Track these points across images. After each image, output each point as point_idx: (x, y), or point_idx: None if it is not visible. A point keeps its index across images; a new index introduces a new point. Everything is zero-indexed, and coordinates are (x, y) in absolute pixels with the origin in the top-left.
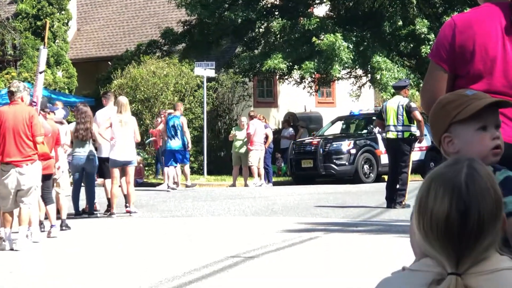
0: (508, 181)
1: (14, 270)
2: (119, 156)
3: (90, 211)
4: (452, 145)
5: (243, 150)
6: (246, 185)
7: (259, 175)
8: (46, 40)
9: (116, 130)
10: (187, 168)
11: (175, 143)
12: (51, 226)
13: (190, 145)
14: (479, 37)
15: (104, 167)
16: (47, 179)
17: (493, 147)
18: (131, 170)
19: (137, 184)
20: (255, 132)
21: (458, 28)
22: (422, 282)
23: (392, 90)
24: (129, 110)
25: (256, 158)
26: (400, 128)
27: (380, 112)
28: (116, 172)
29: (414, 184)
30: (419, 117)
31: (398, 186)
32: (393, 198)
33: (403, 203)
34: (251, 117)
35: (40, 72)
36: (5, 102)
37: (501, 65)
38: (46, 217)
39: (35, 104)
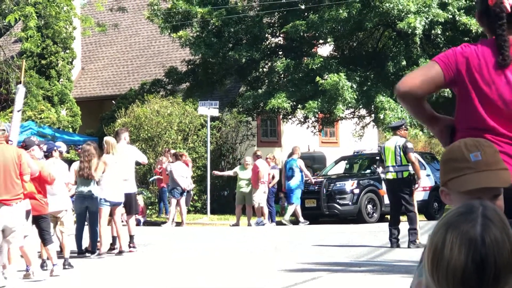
0: None
1: None
2: (109, 197)
3: (93, 250)
4: (447, 199)
5: (247, 189)
6: (249, 224)
7: (263, 214)
8: (22, 79)
9: (108, 171)
10: (298, 208)
11: (293, 182)
12: (53, 265)
13: (312, 180)
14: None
15: (126, 202)
16: (42, 220)
17: None
18: (118, 211)
19: (140, 223)
20: (262, 171)
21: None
22: None
23: None
24: (118, 149)
25: (263, 197)
26: (398, 168)
27: (380, 154)
28: (105, 210)
29: (420, 223)
30: (413, 159)
31: (408, 227)
32: (397, 238)
33: (417, 241)
34: (257, 157)
35: (18, 111)
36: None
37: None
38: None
39: (11, 142)
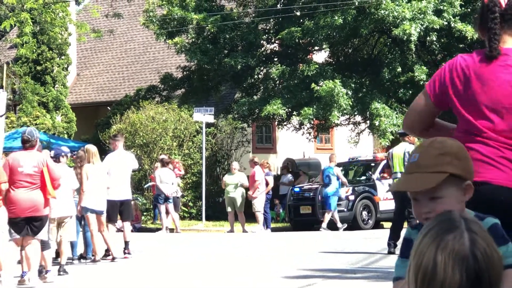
0: (493, 230)
1: None
2: (93, 205)
3: (86, 256)
4: None
5: (235, 194)
6: (244, 231)
7: (257, 219)
8: (4, 83)
9: (92, 179)
10: (335, 214)
11: (330, 189)
12: (46, 271)
13: (346, 188)
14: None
15: (121, 208)
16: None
17: (424, 217)
18: (103, 218)
19: (135, 230)
20: (259, 179)
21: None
22: None
23: (391, 137)
24: (99, 158)
25: (261, 204)
26: None
27: (387, 159)
28: (91, 218)
29: None
30: None
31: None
32: (395, 244)
33: None
34: (254, 163)
35: (1, 116)
36: (4, 146)
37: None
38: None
39: None
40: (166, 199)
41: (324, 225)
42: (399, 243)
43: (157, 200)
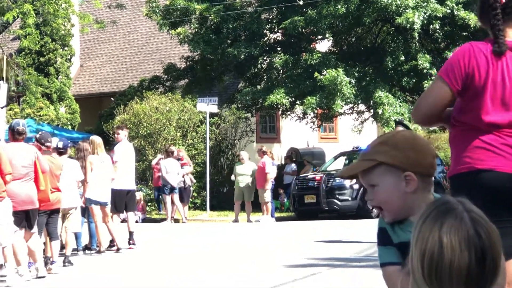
0: None
1: None
2: (97, 197)
3: (91, 247)
4: None
5: (245, 184)
6: (249, 220)
7: (266, 210)
8: (4, 75)
9: (96, 170)
10: None
11: None
12: (52, 262)
13: None
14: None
15: (126, 199)
16: (55, 213)
17: (370, 204)
18: (107, 209)
19: (140, 220)
20: (269, 170)
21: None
22: None
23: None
24: (103, 149)
25: (270, 194)
26: None
27: None
28: (95, 209)
29: None
30: None
31: None
32: None
33: None
34: (263, 153)
35: (2, 107)
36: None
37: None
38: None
39: None
40: (172, 189)
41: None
42: None
43: (163, 190)
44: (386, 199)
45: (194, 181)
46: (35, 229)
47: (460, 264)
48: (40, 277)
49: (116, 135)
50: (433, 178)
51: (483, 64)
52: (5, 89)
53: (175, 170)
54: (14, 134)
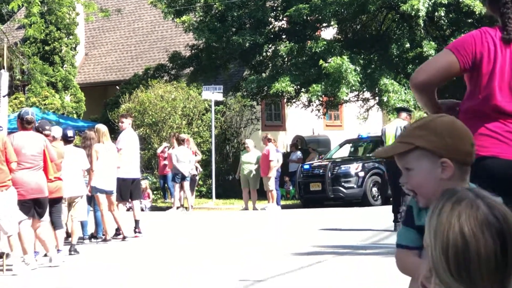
0: None
1: None
2: (103, 185)
3: (97, 236)
4: None
5: (250, 172)
6: (254, 208)
7: (272, 197)
8: (5, 63)
9: (102, 159)
10: None
11: None
12: (58, 250)
13: None
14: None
15: (131, 187)
16: (57, 203)
17: (405, 188)
18: (113, 198)
19: (145, 209)
20: (273, 158)
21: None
22: None
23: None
24: (109, 137)
25: (274, 182)
26: None
27: (381, 137)
28: (101, 198)
29: None
30: None
31: (402, 208)
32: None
33: None
34: (268, 140)
35: (3, 96)
36: (14, 127)
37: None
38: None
39: (0, 128)
40: (183, 177)
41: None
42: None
43: (174, 179)
44: (420, 183)
45: (201, 170)
46: (45, 218)
47: (488, 252)
48: (53, 266)
49: (120, 124)
50: (469, 167)
51: (492, 49)
52: (6, 78)
53: (187, 158)
54: (23, 123)
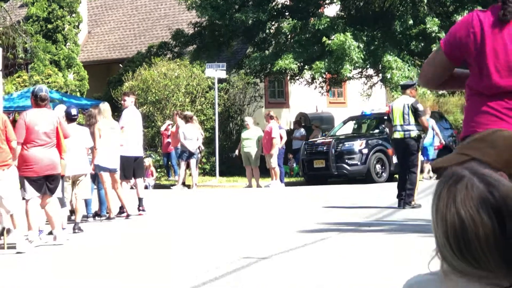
0: None
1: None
2: (106, 163)
3: (101, 214)
4: None
5: (250, 149)
6: (258, 185)
7: (275, 175)
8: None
9: (105, 137)
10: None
11: (426, 140)
12: (62, 229)
13: (443, 142)
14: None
15: (134, 165)
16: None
17: None
18: (117, 176)
19: (148, 187)
20: (275, 135)
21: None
22: None
23: None
24: (111, 115)
25: (276, 159)
26: (406, 127)
27: (388, 113)
28: (105, 176)
29: (423, 184)
30: (425, 123)
31: (407, 186)
32: (404, 198)
33: (412, 203)
34: (270, 118)
35: None
36: (17, 106)
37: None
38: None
39: None
40: (191, 155)
41: (425, 175)
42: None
43: (181, 156)
44: None
45: (203, 148)
46: (57, 194)
47: (486, 230)
48: (57, 245)
49: (123, 102)
50: None
51: (479, 33)
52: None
53: (194, 136)
54: (37, 100)
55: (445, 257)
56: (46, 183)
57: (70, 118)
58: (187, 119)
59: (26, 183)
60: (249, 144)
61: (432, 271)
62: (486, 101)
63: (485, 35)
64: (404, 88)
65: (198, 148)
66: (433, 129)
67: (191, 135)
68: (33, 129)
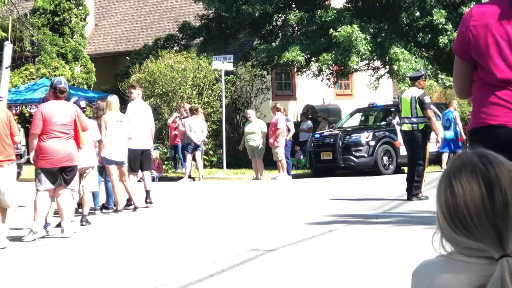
0: None
1: (29, 264)
2: (113, 156)
3: (108, 206)
4: None
5: (254, 142)
6: (257, 178)
7: (281, 167)
8: (9, 36)
9: (112, 129)
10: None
11: (449, 133)
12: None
13: (463, 135)
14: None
15: (141, 158)
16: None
17: None
18: (124, 168)
19: (155, 179)
20: (281, 126)
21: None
22: (482, 273)
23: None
24: (118, 108)
25: (283, 151)
26: (414, 120)
27: (398, 104)
28: (112, 168)
29: (431, 175)
30: (431, 115)
31: (414, 178)
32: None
33: (419, 195)
34: (277, 110)
35: (6, 68)
36: (24, 98)
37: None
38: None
39: (1, 99)
40: (196, 147)
41: (444, 165)
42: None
43: (187, 149)
44: None
45: (206, 140)
46: (72, 186)
47: (474, 198)
48: (65, 237)
49: (129, 94)
50: None
51: (481, 26)
52: (10, 49)
53: (199, 128)
54: (56, 92)
55: (443, 232)
56: (62, 174)
57: None
58: (193, 112)
59: (42, 175)
60: (253, 137)
61: (440, 254)
62: (497, 92)
63: (489, 27)
64: (413, 79)
65: (203, 140)
66: (455, 122)
67: (196, 127)
68: (50, 120)
